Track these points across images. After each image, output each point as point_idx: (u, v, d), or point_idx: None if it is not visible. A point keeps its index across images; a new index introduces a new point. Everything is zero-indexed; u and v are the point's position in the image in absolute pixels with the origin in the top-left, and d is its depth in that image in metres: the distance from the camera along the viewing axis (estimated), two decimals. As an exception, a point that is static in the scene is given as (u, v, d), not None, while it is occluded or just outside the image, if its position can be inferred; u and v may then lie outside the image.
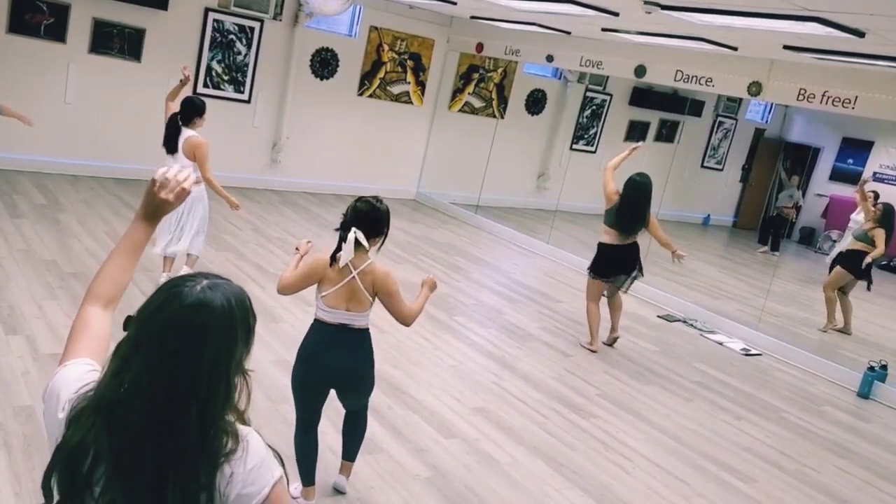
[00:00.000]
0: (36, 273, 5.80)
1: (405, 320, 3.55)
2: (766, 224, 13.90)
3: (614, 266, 6.55)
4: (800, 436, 5.62)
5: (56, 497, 1.34)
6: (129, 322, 1.40)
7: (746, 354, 7.41)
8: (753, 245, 13.58)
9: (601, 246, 6.59)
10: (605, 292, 6.72)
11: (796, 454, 5.27)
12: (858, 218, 9.44)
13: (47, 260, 6.13)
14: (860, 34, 5.47)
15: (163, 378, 1.32)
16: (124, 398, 1.32)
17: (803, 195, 14.06)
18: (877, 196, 9.20)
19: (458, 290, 7.66)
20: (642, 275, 6.70)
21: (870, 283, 8.65)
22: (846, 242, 8.68)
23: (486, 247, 10.02)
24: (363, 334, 3.50)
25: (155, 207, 1.67)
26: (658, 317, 8.16)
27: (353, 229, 3.33)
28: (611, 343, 6.77)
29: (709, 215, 15.21)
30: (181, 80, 6.28)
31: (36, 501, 3.16)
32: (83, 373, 1.45)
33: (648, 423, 5.30)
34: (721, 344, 7.59)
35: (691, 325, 8.03)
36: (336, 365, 3.44)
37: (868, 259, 8.22)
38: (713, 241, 14.18)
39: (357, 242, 3.34)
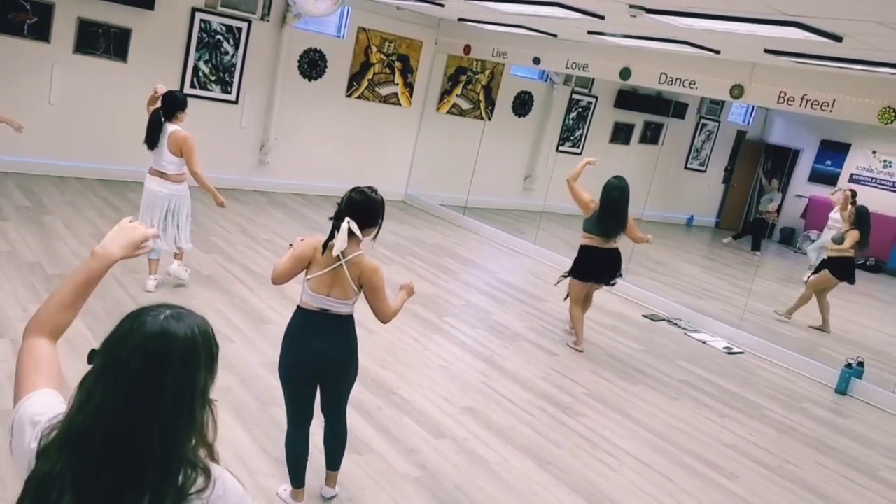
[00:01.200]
0: (20, 276, 5.79)
1: (384, 317, 3.56)
2: (746, 227, 14.11)
3: (597, 269, 6.64)
4: (781, 433, 5.73)
5: None
6: (93, 355, 1.40)
7: (729, 353, 7.53)
8: (736, 244, 13.76)
9: (583, 248, 6.65)
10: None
11: (778, 451, 5.37)
12: (836, 216, 9.67)
13: (32, 262, 6.12)
14: (838, 38, 5.58)
15: (126, 403, 1.31)
16: (88, 428, 1.32)
17: (783, 196, 14.27)
18: (854, 194, 9.42)
19: (446, 291, 7.73)
20: (622, 277, 6.85)
21: (851, 281, 8.80)
22: (824, 239, 8.84)
23: (473, 247, 10.09)
24: (345, 321, 3.50)
25: (116, 248, 1.70)
26: (643, 316, 8.26)
27: (347, 219, 3.34)
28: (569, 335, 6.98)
29: (692, 216, 15.36)
30: (153, 97, 6.13)
31: None
32: (48, 402, 1.46)
33: (634, 421, 5.39)
34: (705, 343, 7.70)
35: (676, 324, 8.14)
36: (317, 348, 3.46)
37: (832, 252, 8.52)
38: (697, 242, 14.33)
39: (350, 232, 3.35)
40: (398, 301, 3.65)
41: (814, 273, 8.96)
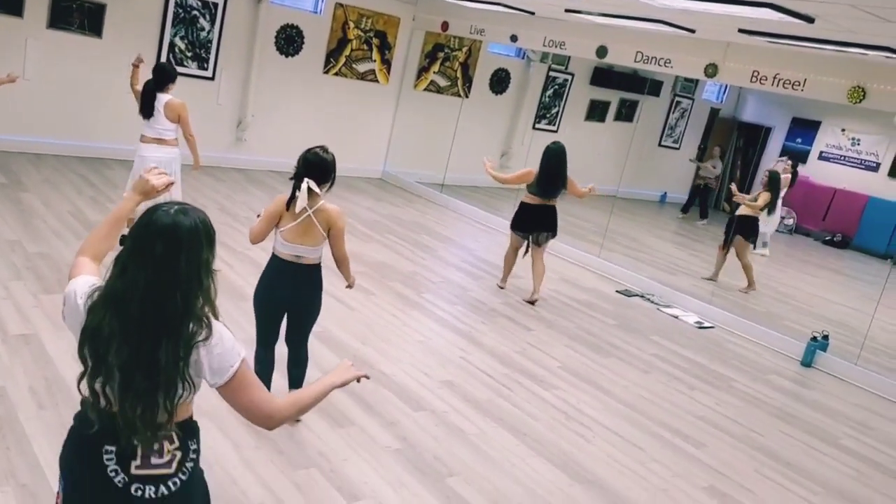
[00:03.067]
0: (0, 254, 5.81)
1: (343, 259, 4.09)
2: (690, 197, 14.37)
3: (532, 223, 7.27)
4: (748, 403, 5.94)
5: (89, 363, 1.87)
6: (124, 239, 1.92)
7: (700, 327, 7.73)
8: (687, 217, 14.11)
9: (521, 204, 7.35)
10: (530, 257, 7.37)
11: (744, 420, 5.58)
12: None
13: (11, 240, 6.12)
14: (810, 20, 5.71)
15: (154, 276, 1.82)
16: (126, 292, 1.83)
17: (755, 172, 14.53)
18: (795, 165, 11.03)
19: (424, 268, 7.83)
20: (554, 235, 7.46)
21: (755, 242, 9.43)
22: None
23: (451, 225, 10.19)
24: (313, 269, 4.04)
25: (142, 188, 2.25)
26: (617, 292, 8.44)
27: (306, 179, 3.81)
28: (531, 302, 7.31)
29: (665, 193, 15.55)
30: (134, 64, 6.59)
31: (11, 482, 3.27)
32: (90, 281, 2.00)
33: (607, 393, 5.56)
34: (677, 318, 7.90)
35: (648, 299, 8.32)
36: (290, 293, 4.05)
37: (744, 210, 9.13)
38: (669, 219, 14.53)
39: (309, 189, 3.82)
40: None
41: (726, 240, 9.37)
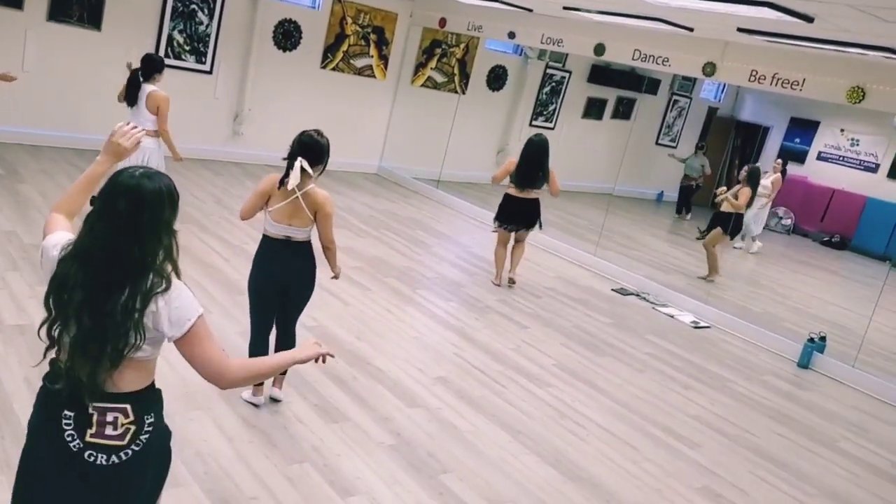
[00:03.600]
0: (-3, 245, 5.79)
1: (329, 243, 4.15)
2: (681, 193, 14.34)
3: (515, 216, 7.44)
4: (743, 404, 5.94)
5: (52, 311, 2.02)
6: (94, 200, 2.09)
7: (696, 327, 7.73)
8: (700, 220, 14.05)
9: (505, 196, 7.53)
10: (513, 239, 7.61)
11: (739, 421, 5.58)
12: (766, 182, 11.09)
13: (8, 231, 6.11)
14: (809, 19, 5.70)
15: (115, 231, 1.98)
16: (92, 246, 1.98)
17: (756, 176, 14.52)
18: (784, 163, 11.53)
19: (420, 264, 7.82)
20: (541, 228, 7.60)
21: (733, 236, 9.68)
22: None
23: (446, 221, 10.18)
24: (304, 246, 4.10)
25: (113, 150, 2.36)
26: (612, 290, 8.43)
27: (299, 158, 3.89)
28: (509, 283, 7.61)
29: (662, 192, 15.54)
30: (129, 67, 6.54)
31: (6, 472, 3.25)
32: (64, 236, 2.15)
33: (602, 392, 5.56)
34: (672, 317, 7.90)
35: (644, 298, 8.32)
36: (283, 271, 4.11)
37: (729, 207, 9.25)
38: (665, 218, 14.53)
39: (302, 169, 3.89)
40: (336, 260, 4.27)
41: (706, 231, 9.54)
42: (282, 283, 4.17)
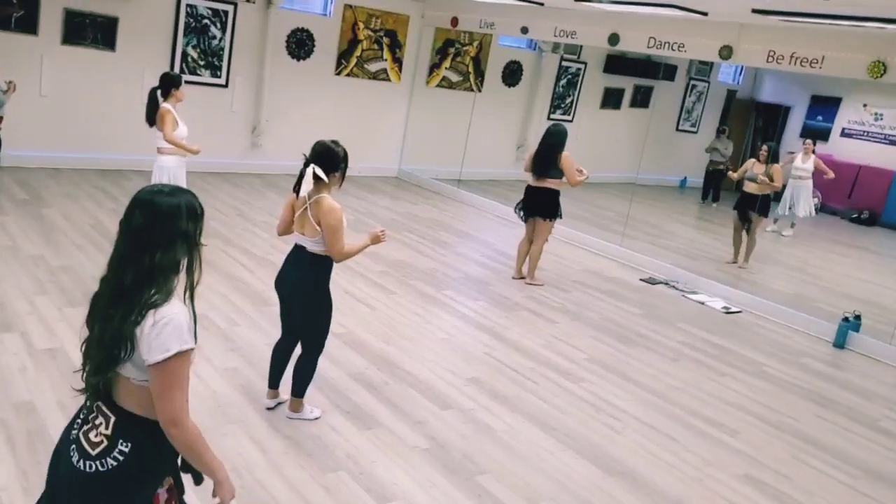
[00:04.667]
0: (24, 269, 5.83)
1: (335, 255, 4.01)
2: (707, 179, 14.11)
3: (528, 204, 7.47)
4: (781, 388, 5.84)
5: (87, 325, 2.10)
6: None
7: (727, 312, 7.62)
8: (727, 206, 13.86)
9: (525, 187, 7.57)
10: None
11: (778, 406, 5.48)
12: (800, 164, 11.06)
13: (34, 255, 6.17)
14: (824, -5, 5.61)
15: (131, 242, 2.01)
16: (112, 259, 2.05)
17: (777, 154, 14.30)
18: (814, 142, 11.35)
19: (444, 265, 7.80)
20: (560, 217, 7.52)
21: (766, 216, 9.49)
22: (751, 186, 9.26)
23: (469, 220, 10.14)
24: (314, 258, 4.01)
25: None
26: (640, 280, 8.35)
27: (312, 165, 3.90)
28: (523, 279, 7.61)
29: (685, 178, 15.39)
30: None
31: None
32: None
33: (636, 384, 5.49)
34: (703, 304, 7.79)
35: (673, 286, 8.22)
36: (286, 276, 4.14)
37: (763, 188, 9.06)
38: (690, 204, 14.38)
39: (316, 176, 3.88)
40: (356, 244, 4.08)
41: (740, 219, 9.27)
42: (281, 290, 4.19)
